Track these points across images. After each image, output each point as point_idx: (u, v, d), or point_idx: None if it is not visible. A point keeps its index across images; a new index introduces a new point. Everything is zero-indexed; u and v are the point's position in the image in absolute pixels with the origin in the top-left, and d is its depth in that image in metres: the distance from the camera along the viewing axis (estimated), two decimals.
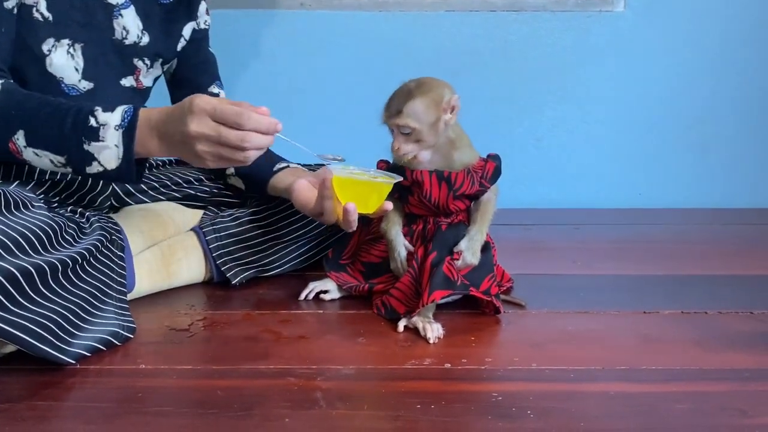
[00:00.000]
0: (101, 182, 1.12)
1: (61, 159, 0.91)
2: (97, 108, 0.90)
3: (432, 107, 0.96)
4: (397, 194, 1.02)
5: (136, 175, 0.92)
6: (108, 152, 0.89)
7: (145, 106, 0.93)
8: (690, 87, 1.77)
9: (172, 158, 1.31)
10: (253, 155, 0.87)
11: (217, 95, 1.25)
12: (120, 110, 0.90)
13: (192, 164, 0.91)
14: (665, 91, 1.77)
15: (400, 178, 0.97)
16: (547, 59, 1.75)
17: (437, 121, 0.97)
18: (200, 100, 0.85)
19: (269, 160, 1.15)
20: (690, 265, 1.28)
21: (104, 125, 0.89)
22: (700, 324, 0.98)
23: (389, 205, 0.95)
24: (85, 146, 0.89)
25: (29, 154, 0.91)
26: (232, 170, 1.19)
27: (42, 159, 0.92)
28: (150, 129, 0.89)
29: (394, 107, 0.97)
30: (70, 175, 1.07)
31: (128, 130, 0.89)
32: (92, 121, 0.89)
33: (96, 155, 0.90)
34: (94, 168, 0.91)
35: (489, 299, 0.98)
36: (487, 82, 1.75)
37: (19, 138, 0.90)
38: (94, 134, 0.89)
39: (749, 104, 1.78)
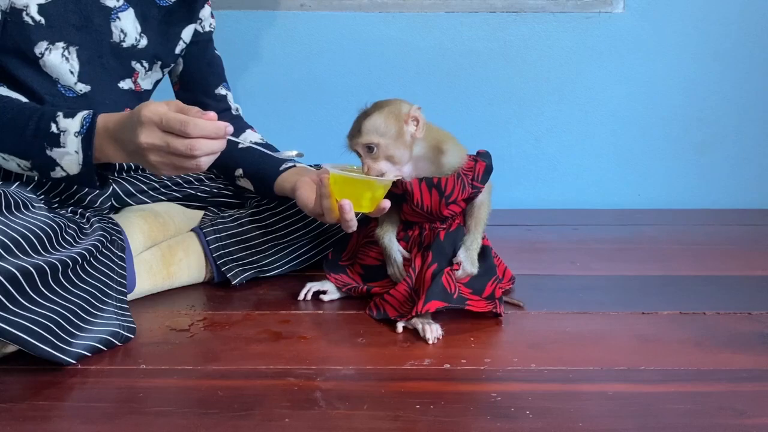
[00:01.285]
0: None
1: (27, 163, 0.93)
2: (58, 113, 0.91)
3: (391, 119, 0.96)
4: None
5: (98, 181, 0.93)
6: (69, 158, 0.90)
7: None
8: (689, 88, 1.78)
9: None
10: (204, 161, 0.87)
11: (224, 96, 1.26)
12: (80, 116, 0.91)
13: (153, 172, 0.91)
14: (664, 92, 1.78)
15: (400, 177, 0.97)
16: (546, 60, 1.76)
17: (401, 134, 0.96)
18: (147, 110, 0.85)
19: (276, 160, 1.16)
20: (689, 265, 1.28)
21: (64, 131, 0.90)
22: (698, 325, 0.99)
23: (387, 203, 0.95)
24: (48, 152, 0.91)
25: None
26: (240, 172, 1.20)
27: (9, 163, 0.94)
28: (107, 136, 0.90)
29: (355, 129, 0.97)
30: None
31: (86, 136, 0.90)
32: (53, 127, 0.90)
33: (58, 161, 0.91)
34: (58, 173, 0.92)
35: (488, 309, 0.98)
36: (486, 82, 1.76)
37: None
38: (55, 140, 0.90)
39: (748, 105, 1.78)
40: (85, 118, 0.90)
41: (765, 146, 1.81)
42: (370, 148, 0.96)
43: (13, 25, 0.98)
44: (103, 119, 0.91)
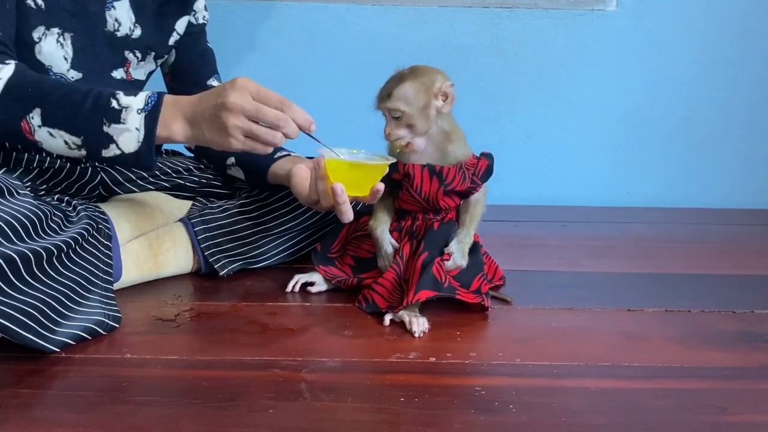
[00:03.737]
0: (89, 170, 1.11)
1: (77, 140, 0.90)
2: (117, 92, 0.91)
3: (422, 91, 0.97)
4: (388, 189, 1.02)
5: (153, 162, 0.92)
6: (128, 135, 0.89)
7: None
8: (680, 87, 1.78)
9: (162, 149, 1.31)
10: (280, 139, 0.89)
11: None
12: (143, 95, 0.91)
13: (215, 144, 0.91)
14: (655, 91, 1.79)
15: (394, 160, 0.98)
16: (538, 56, 1.76)
17: (428, 107, 0.97)
18: (244, 79, 0.88)
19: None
20: (675, 263, 1.29)
21: (126, 107, 0.89)
22: (682, 322, 0.99)
23: (381, 186, 0.95)
24: (105, 128, 0.89)
25: (42, 134, 0.91)
26: (232, 160, 1.19)
27: (56, 140, 0.91)
28: (176, 110, 0.90)
29: (385, 91, 0.98)
30: (68, 165, 1.07)
31: (151, 113, 0.89)
32: (114, 103, 0.89)
33: (115, 138, 0.90)
34: (110, 151, 0.91)
35: (477, 301, 0.98)
36: (478, 77, 1.76)
37: (35, 117, 0.90)
38: (115, 116, 0.89)
39: (737, 104, 1.79)
40: (149, 96, 0.90)
41: (754, 147, 1.82)
42: (395, 114, 0.97)
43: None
44: (171, 97, 0.91)
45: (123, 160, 0.92)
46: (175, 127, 0.91)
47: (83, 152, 0.92)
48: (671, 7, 1.74)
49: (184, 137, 0.92)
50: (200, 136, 0.91)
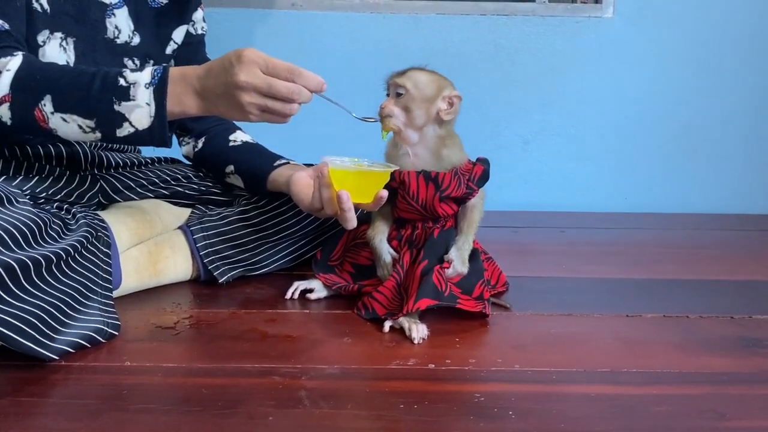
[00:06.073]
0: (89, 178, 1.12)
1: (90, 123, 0.91)
2: (124, 69, 0.91)
3: (434, 86, 1.00)
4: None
5: (168, 136, 0.92)
6: (139, 111, 0.89)
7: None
8: (677, 93, 1.79)
9: (161, 156, 1.32)
10: (296, 109, 0.90)
11: None
12: (149, 69, 0.91)
13: (231, 118, 0.92)
14: (652, 97, 1.80)
15: (396, 167, 0.98)
16: (536, 63, 1.77)
17: (431, 102, 0.99)
18: (250, 51, 0.87)
19: (269, 156, 1.17)
20: (673, 269, 1.29)
21: (134, 84, 0.89)
22: (681, 328, 1.00)
23: (385, 193, 0.96)
24: (116, 107, 0.89)
25: (56, 121, 0.91)
26: (231, 168, 1.20)
27: (70, 125, 0.91)
28: (186, 85, 0.90)
29: (401, 70, 1.02)
30: (67, 173, 1.07)
31: (159, 87, 0.89)
32: (121, 81, 0.90)
33: (127, 115, 0.90)
34: (125, 130, 0.91)
35: (478, 309, 0.98)
36: (476, 84, 1.76)
37: (46, 104, 0.90)
38: (124, 94, 0.89)
39: (735, 111, 1.80)
40: (155, 70, 0.90)
41: (752, 152, 1.83)
42: (399, 93, 0.99)
43: None
44: (177, 70, 0.91)
45: (138, 137, 0.92)
46: (187, 103, 0.91)
47: (98, 134, 0.92)
48: (668, 13, 1.75)
49: (197, 111, 0.92)
50: (214, 109, 0.92)
